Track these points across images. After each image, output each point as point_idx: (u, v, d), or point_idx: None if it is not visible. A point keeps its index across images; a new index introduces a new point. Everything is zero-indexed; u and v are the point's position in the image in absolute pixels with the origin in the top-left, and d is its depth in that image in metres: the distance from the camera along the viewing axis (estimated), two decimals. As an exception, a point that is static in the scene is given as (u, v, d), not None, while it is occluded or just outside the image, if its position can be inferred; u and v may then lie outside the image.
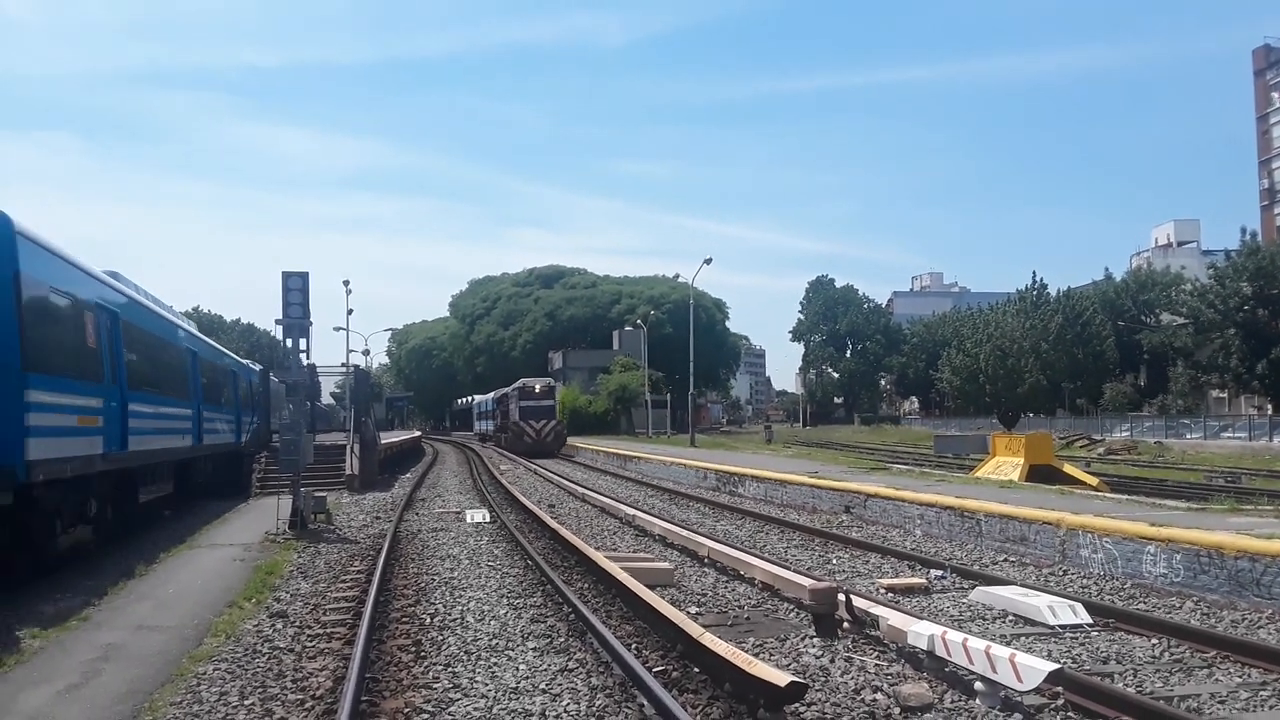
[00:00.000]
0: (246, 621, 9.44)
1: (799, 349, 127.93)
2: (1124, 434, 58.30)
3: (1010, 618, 9.42)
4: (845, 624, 8.63)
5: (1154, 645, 8.27)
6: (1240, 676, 7.31)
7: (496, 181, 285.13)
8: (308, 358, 19.04)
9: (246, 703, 6.77)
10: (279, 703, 6.79)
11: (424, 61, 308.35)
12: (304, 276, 18.43)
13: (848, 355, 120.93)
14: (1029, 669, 6.29)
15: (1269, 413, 54.02)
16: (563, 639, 8.55)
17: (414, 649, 8.32)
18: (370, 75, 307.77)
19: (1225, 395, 66.03)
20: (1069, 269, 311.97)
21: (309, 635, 8.94)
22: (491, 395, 69.11)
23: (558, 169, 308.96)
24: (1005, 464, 23.56)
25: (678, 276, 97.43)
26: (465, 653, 8.13)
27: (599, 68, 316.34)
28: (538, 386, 51.36)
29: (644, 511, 18.37)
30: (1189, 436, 53.05)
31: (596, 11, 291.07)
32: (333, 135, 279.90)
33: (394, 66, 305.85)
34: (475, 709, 6.58)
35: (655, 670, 7.21)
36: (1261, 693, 6.88)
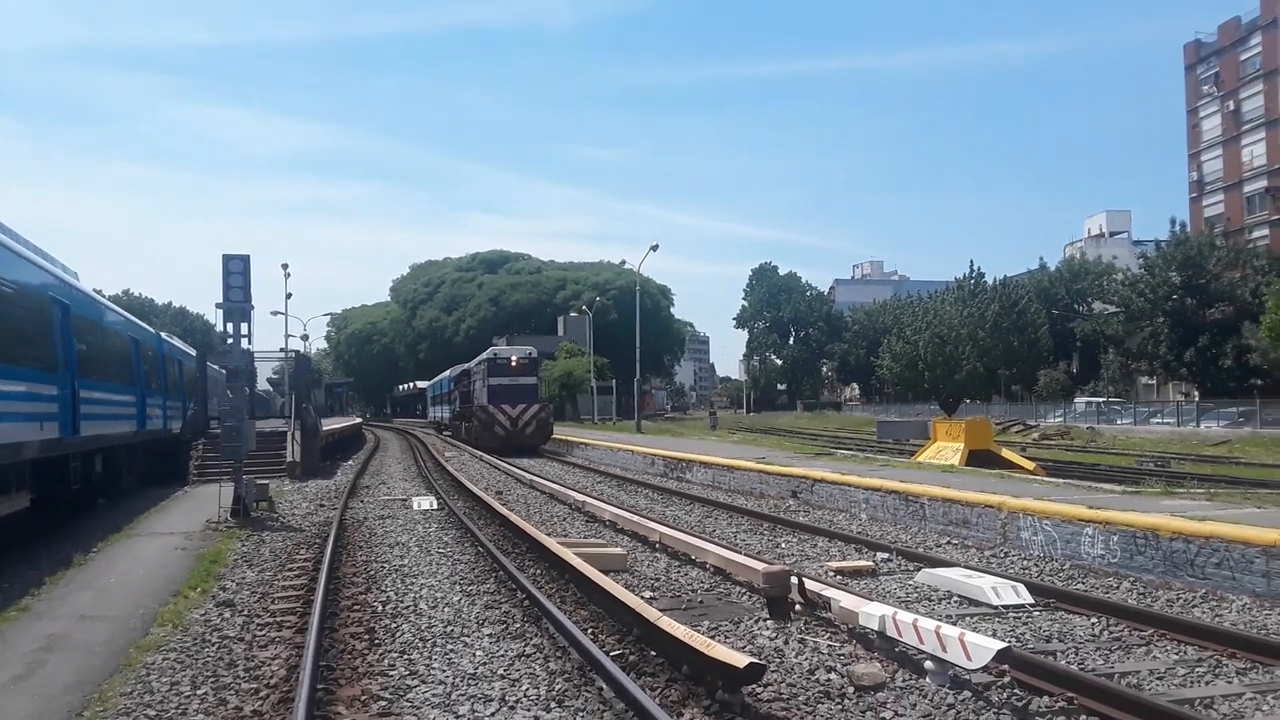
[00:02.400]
0: (193, 611, 9.27)
1: (743, 335, 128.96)
2: (1057, 420, 59.81)
3: (955, 599, 9.65)
4: (798, 606, 8.76)
5: (1094, 624, 8.53)
6: (1177, 654, 7.59)
7: (443, 165, 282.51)
8: (249, 343, 18.70)
9: (199, 692, 6.67)
10: (232, 692, 6.69)
11: (369, 43, 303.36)
12: (245, 259, 18.02)
13: (790, 342, 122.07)
14: (978, 648, 6.45)
15: (1196, 399, 55.81)
16: (518, 625, 8.55)
17: (368, 636, 8.25)
18: (315, 56, 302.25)
19: (1154, 382, 68.04)
20: (1005, 258, 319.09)
21: (258, 624, 8.82)
22: (449, 373, 58.35)
23: (507, 153, 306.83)
24: (946, 449, 24.02)
25: (624, 263, 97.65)
26: (420, 640, 8.09)
27: (548, 51, 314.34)
28: (514, 358, 38.98)
29: (593, 497, 18.39)
30: (1119, 422, 54.59)
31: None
32: (274, 117, 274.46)
33: (339, 47, 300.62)
34: (434, 695, 6.56)
35: (613, 654, 7.25)
36: (1198, 669, 7.15)
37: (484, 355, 41.55)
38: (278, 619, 9.00)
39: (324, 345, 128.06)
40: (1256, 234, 64.02)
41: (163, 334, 28.04)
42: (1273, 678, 6.90)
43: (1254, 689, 6.62)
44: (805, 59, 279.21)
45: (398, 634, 8.32)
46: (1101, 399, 62.34)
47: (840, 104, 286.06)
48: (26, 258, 13.95)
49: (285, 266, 46.84)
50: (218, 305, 18.00)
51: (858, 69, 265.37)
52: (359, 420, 67.60)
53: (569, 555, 10.53)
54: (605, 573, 9.74)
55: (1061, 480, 18.17)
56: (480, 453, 35.64)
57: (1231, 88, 67.98)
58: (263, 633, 8.48)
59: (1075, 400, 64.65)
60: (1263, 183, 64.66)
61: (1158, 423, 52.15)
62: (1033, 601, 9.27)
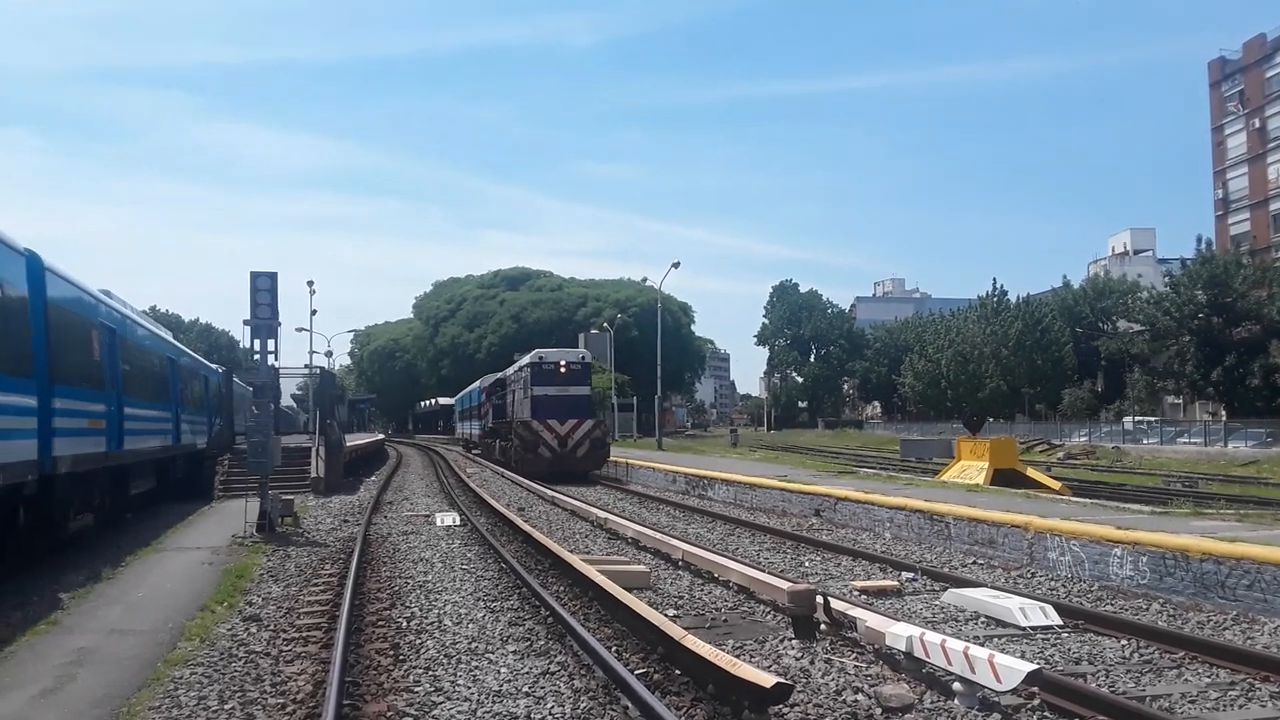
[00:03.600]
0: (220, 625, 9.33)
1: (763, 353, 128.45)
2: (1082, 439, 59.22)
3: (982, 619, 9.57)
4: (823, 626, 8.72)
5: (1124, 646, 8.44)
6: (1209, 677, 7.49)
7: (464, 183, 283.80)
8: (275, 359, 18.86)
9: (227, 707, 6.70)
10: (260, 707, 6.73)
11: (391, 61, 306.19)
12: (272, 277, 18.21)
13: (811, 360, 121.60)
14: (1008, 669, 6.40)
15: (1223, 418, 55.15)
16: (542, 642, 8.55)
17: (392, 652, 8.27)
18: (336, 75, 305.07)
19: (1180, 401, 67.31)
20: (1028, 276, 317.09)
21: (284, 639, 8.85)
22: (478, 384, 52.04)
23: (526, 171, 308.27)
24: (970, 468, 23.86)
25: (645, 280, 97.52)
26: (445, 656, 8.10)
27: (567, 70, 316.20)
28: (563, 362, 32.67)
29: (615, 514, 18.39)
30: (1145, 442, 54.00)
31: (564, 14, 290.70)
32: (297, 135, 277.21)
33: (360, 66, 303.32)
34: (459, 712, 6.56)
35: (638, 673, 7.24)
36: (1230, 692, 7.05)
37: (525, 360, 34.19)
38: (303, 634, 9.04)
39: (347, 361, 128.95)
40: (1284, 252, 63.36)
41: (193, 353, 28.44)
42: (1308, 702, 6.80)
43: (1289, 714, 6.52)
44: (825, 78, 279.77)
45: (422, 650, 8.33)
46: (1153, 418, 60.94)
47: (861, 121, 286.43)
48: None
49: (310, 283, 47.30)
50: (245, 322, 18.16)
51: (878, 86, 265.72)
52: (381, 436, 67.90)
53: (592, 572, 10.52)
54: (628, 590, 9.73)
55: (1088, 500, 18.00)
56: (518, 477, 30.52)
57: (1257, 105, 67.52)
58: (289, 648, 8.52)
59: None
60: (1289, 200, 64.04)
61: (1184, 442, 51.54)
62: (1061, 623, 9.18)
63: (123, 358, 17.56)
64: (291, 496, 19.43)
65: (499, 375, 42.36)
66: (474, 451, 51.58)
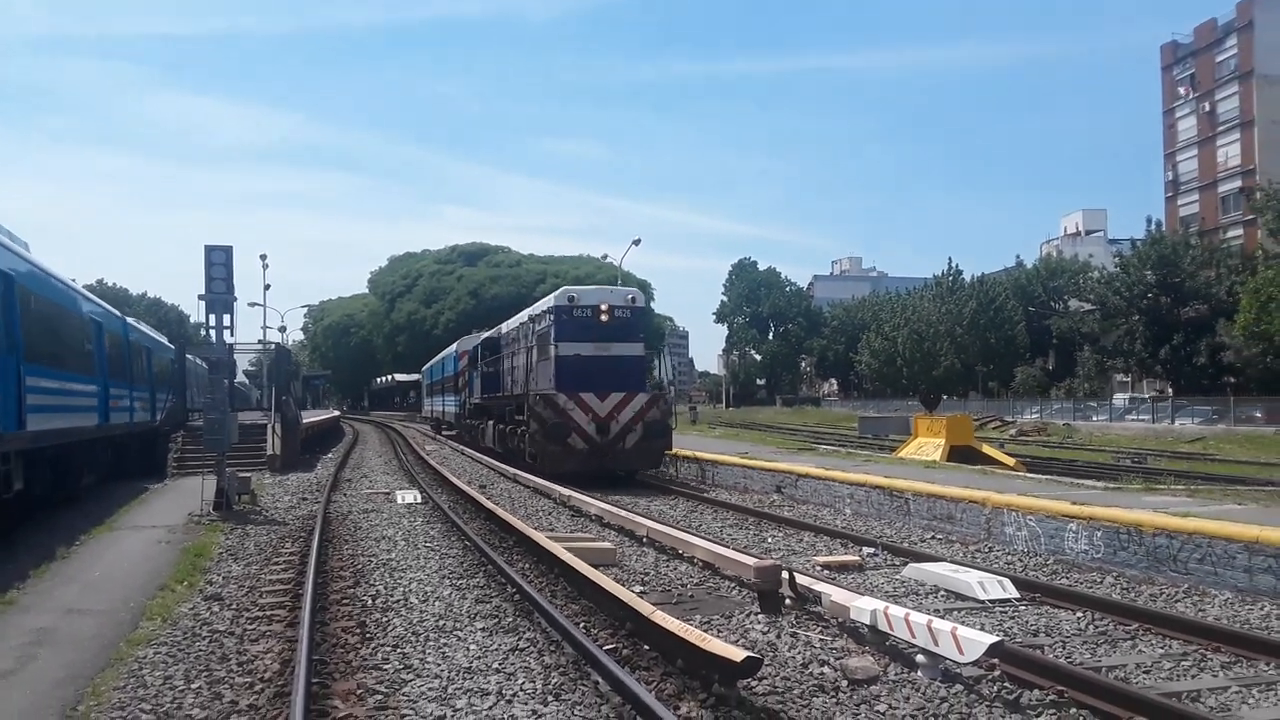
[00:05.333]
0: (181, 605, 9.21)
1: (722, 330, 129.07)
2: (1034, 416, 60.34)
3: (942, 593, 9.74)
4: (788, 601, 8.82)
5: (1079, 618, 8.64)
6: (1162, 648, 7.70)
7: (423, 158, 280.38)
8: (231, 335, 18.56)
9: (193, 686, 6.63)
10: (227, 685, 6.66)
11: (345, 34, 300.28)
12: (228, 251, 17.86)
13: (770, 337, 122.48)
14: (970, 641, 6.53)
15: (1170, 396, 56.47)
16: (510, 619, 8.55)
17: (359, 631, 8.23)
18: (290, 47, 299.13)
19: (1129, 379, 68.79)
20: (983, 255, 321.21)
21: (248, 618, 8.77)
22: (453, 350, 43.58)
23: (486, 147, 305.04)
24: (927, 445, 24.20)
25: (605, 257, 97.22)
26: (413, 634, 8.07)
27: (526, 44, 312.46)
28: (604, 306, 22.37)
29: (578, 491, 18.39)
30: (1095, 419, 55.15)
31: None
32: (249, 108, 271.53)
33: (315, 38, 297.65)
34: (430, 689, 6.56)
35: (607, 649, 7.27)
36: (1183, 663, 7.27)
37: (545, 303, 23.95)
38: (267, 613, 8.96)
39: (301, 337, 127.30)
40: (1231, 234, 64.87)
41: (131, 320, 27.58)
42: (1257, 672, 7.02)
43: (1239, 683, 6.73)
44: (787, 57, 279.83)
45: (389, 628, 8.30)
46: (1158, 395, 60.19)
47: (822, 101, 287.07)
48: None
49: (264, 257, 46.67)
50: (200, 297, 17.80)
51: (839, 67, 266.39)
52: (337, 413, 67.25)
53: (559, 550, 10.54)
54: (595, 567, 9.76)
55: (1043, 476, 18.37)
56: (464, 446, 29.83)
57: (1207, 89, 68.81)
58: (253, 626, 8.44)
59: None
60: (1237, 183, 65.48)
61: (1132, 419, 52.74)
62: (1018, 596, 9.38)
63: (26, 316, 14.51)
64: (248, 474, 19.19)
65: (489, 334, 32.84)
66: (446, 433, 44.38)
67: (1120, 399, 59.41)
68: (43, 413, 15.03)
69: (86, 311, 19.93)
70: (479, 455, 29.98)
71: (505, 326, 29.47)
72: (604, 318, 22.22)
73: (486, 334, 33.52)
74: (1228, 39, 67.37)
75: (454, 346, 44.14)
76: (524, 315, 26.40)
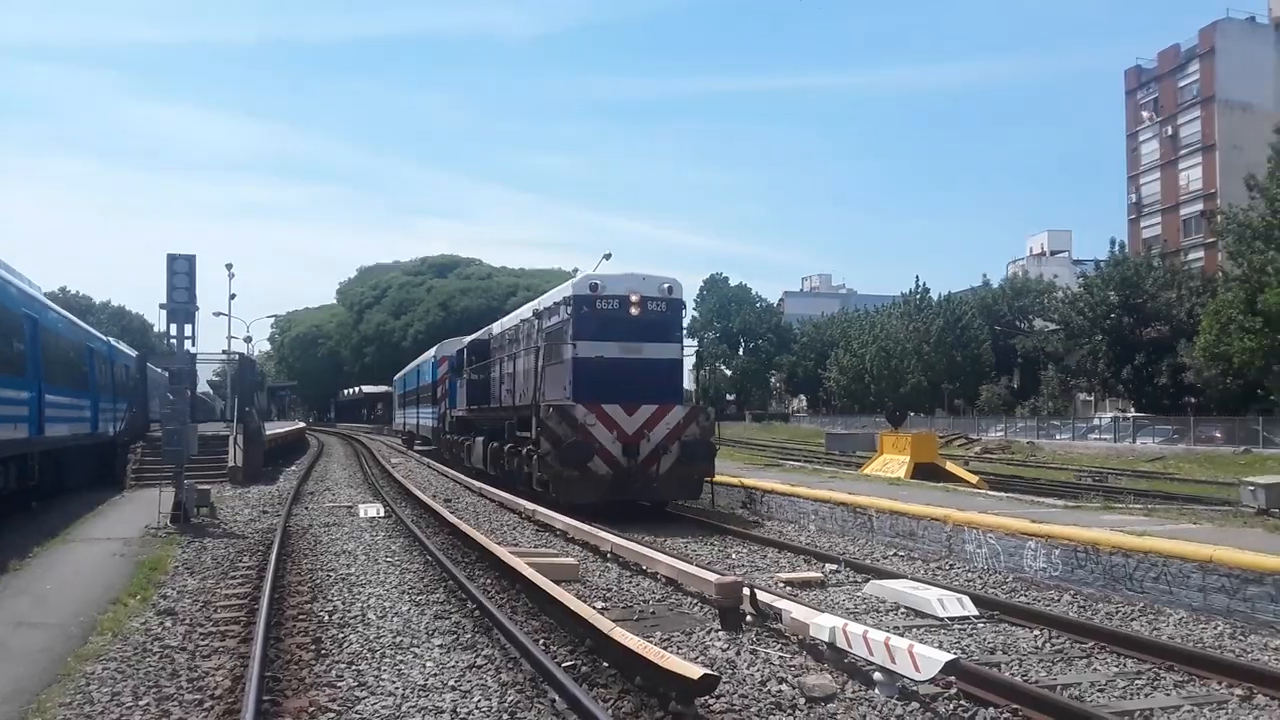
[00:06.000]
0: (133, 619, 9.04)
1: (692, 345, 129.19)
2: (999, 434, 60.89)
3: (902, 610, 9.77)
4: (749, 617, 8.81)
5: (1036, 636, 8.70)
6: (1117, 666, 7.77)
7: (397, 170, 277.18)
8: (193, 344, 18.33)
9: (141, 703, 6.50)
10: (176, 703, 6.54)
11: (321, 45, 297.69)
12: (190, 259, 17.67)
13: (740, 353, 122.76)
14: (926, 659, 6.55)
15: (1132, 415, 57.21)
16: (469, 635, 8.47)
17: (314, 647, 8.12)
18: (264, 57, 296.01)
19: (1092, 398, 69.64)
20: (950, 274, 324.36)
21: (201, 633, 8.63)
22: (431, 355, 39.85)
23: (462, 159, 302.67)
24: (892, 461, 24.34)
25: (576, 270, 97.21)
26: (369, 650, 7.98)
27: (506, 61, 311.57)
28: (634, 296, 17.97)
29: (544, 506, 18.28)
30: (1059, 437, 55.73)
31: (503, 2, 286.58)
32: (221, 117, 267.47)
33: (290, 49, 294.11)
34: (383, 707, 6.47)
35: (565, 665, 7.22)
36: (1137, 681, 7.33)
37: (561, 291, 19.39)
38: (221, 628, 8.82)
39: (267, 348, 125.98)
40: (1192, 256, 65.99)
41: (93, 330, 27.15)
42: (1209, 691, 7.09)
43: (1191, 701, 6.80)
44: (761, 76, 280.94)
45: (345, 644, 8.19)
46: (1118, 415, 61.00)
47: (793, 121, 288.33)
48: None
49: (230, 266, 46.10)
50: (161, 306, 17.61)
51: (809, 87, 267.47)
52: (302, 425, 66.53)
53: (520, 565, 10.47)
54: (557, 583, 9.71)
55: (1004, 494, 18.50)
56: (429, 459, 30.23)
57: (1170, 113, 70.07)
58: (206, 642, 8.30)
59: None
60: (1199, 206, 66.67)
61: (1095, 438, 53.33)
62: (977, 614, 9.43)
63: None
64: (208, 486, 18.90)
65: (476, 335, 28.76)
66: (420, 448, 40.41)
67: (1104, 418, 60.05)
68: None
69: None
70: (449, 471, 29.63)
71: (498, 326, 25.57)
72: (634, 310, 17.99)
73: (474, 336, 29.37)
74: (1190, 65, 68.71)
75: (432, 351, 39.79)
76: (526, 310, 22.58)
